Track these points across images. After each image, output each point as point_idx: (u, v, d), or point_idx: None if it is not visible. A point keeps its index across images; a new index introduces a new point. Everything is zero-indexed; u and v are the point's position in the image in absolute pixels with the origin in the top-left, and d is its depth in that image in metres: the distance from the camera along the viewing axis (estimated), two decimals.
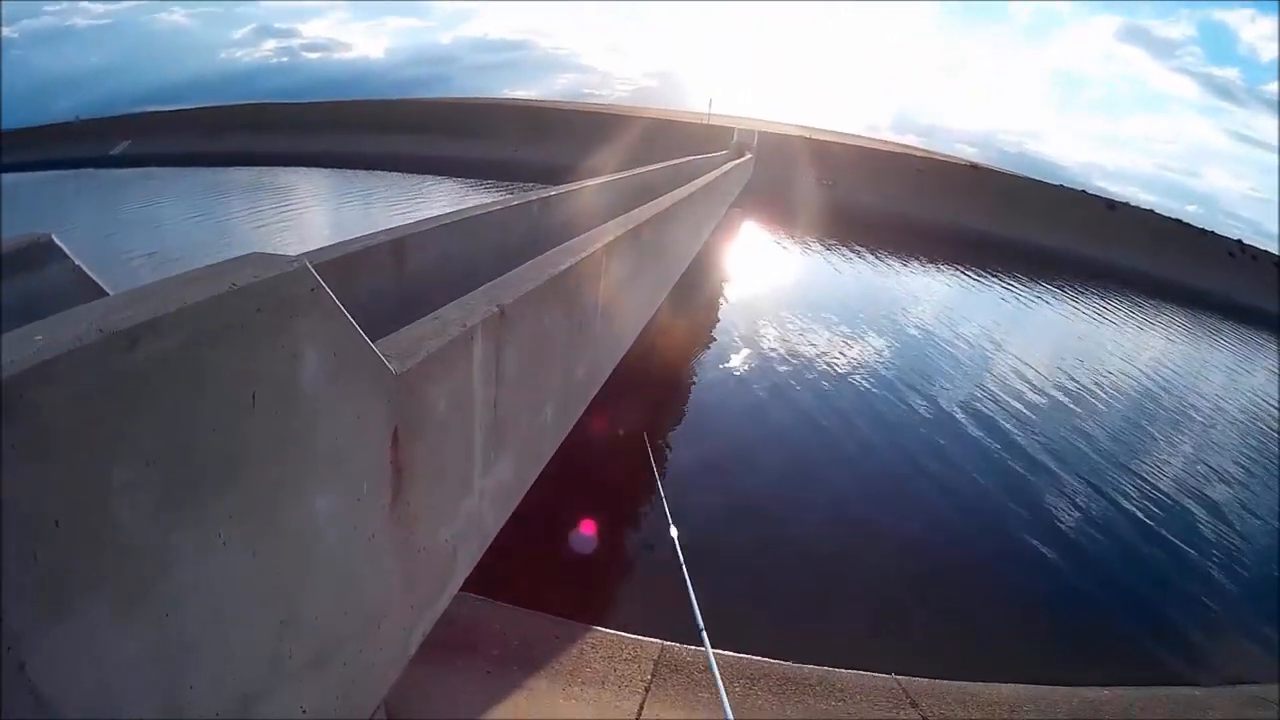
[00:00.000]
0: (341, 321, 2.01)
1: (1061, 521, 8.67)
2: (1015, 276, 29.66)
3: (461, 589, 3.48)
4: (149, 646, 1.49)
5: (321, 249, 3.68)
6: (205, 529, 1.58)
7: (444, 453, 2.96)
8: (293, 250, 2.32)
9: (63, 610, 1.29)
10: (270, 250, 1.92)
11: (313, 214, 26.74)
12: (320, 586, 2.09)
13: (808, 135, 54.71)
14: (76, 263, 2.74)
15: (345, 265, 3.64)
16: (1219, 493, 10.50)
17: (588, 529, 6.58)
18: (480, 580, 3.70)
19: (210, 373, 1.54)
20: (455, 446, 3.09)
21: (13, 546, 1.19)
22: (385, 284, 4.12)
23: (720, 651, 4.82)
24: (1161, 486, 10.36)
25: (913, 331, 17.08)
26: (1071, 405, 13.39)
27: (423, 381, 2.56)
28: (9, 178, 35.71)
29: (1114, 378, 16.21)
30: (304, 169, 41.15)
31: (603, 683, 4.25)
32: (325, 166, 42.12)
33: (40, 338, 1.26)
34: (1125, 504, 9.51)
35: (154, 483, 1.44)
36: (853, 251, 28.60)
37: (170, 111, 66.29)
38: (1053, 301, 26.49)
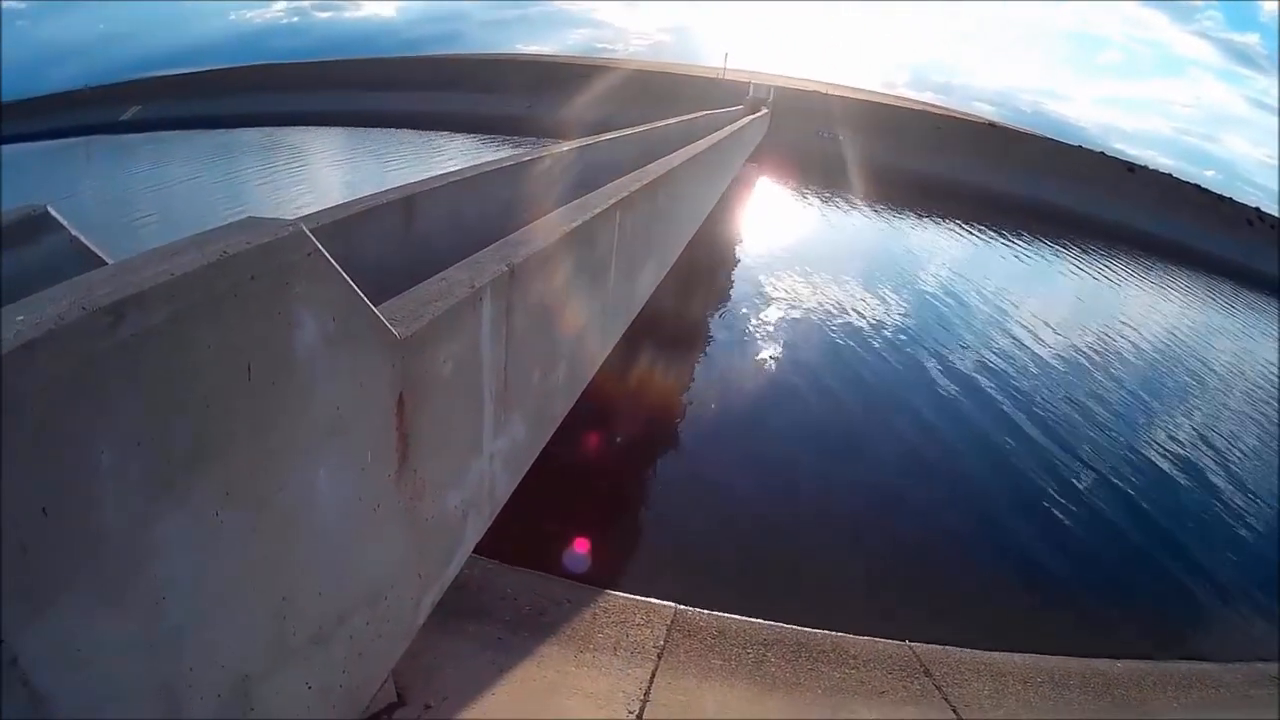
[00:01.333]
0: (341, 286, 1.92)
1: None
2: (1069, 242, 29.26)
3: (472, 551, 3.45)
4: (143, 633, 1.44)
5: (324, 210, 3.55)
6: (199, 509, 1.52)
7: (452, 417, 2.89)
8: (306, 209, 2.23)
9: (53, 602, 1.23)
10: (275, 210, 1.82)
11: (322, 172, 26.48)
12: (323, 561, 2.04)
13: (824, 91, 53.56)
14: (73, 233, 2.67)
15: (349, 226, 3.52)
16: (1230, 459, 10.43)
17: None
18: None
19: (201, 346, 1.45)
20: (464, 410, 3.01)
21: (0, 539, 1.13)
22: (393, 245, 4.00)
23: (735, 617, 4.81)
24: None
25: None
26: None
27: (429, 345, 2.47)
28: (13, 148, 35.44)
29: None
30: (315, 128, 40.68)
31: (615, 648, 4.24)
32: (337, 125, 41.65)
33: (21, 318, 1.18)
34: None
35: (143, 464, 1.37)
36: (892, 211, 28.31)
37: (180, 75, 65.25)
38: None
